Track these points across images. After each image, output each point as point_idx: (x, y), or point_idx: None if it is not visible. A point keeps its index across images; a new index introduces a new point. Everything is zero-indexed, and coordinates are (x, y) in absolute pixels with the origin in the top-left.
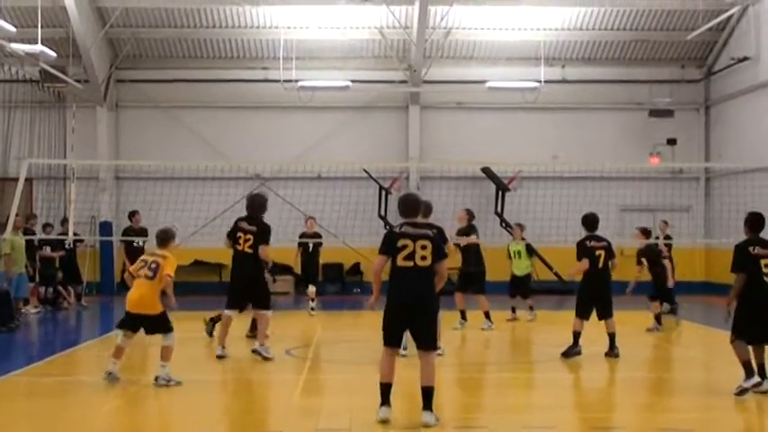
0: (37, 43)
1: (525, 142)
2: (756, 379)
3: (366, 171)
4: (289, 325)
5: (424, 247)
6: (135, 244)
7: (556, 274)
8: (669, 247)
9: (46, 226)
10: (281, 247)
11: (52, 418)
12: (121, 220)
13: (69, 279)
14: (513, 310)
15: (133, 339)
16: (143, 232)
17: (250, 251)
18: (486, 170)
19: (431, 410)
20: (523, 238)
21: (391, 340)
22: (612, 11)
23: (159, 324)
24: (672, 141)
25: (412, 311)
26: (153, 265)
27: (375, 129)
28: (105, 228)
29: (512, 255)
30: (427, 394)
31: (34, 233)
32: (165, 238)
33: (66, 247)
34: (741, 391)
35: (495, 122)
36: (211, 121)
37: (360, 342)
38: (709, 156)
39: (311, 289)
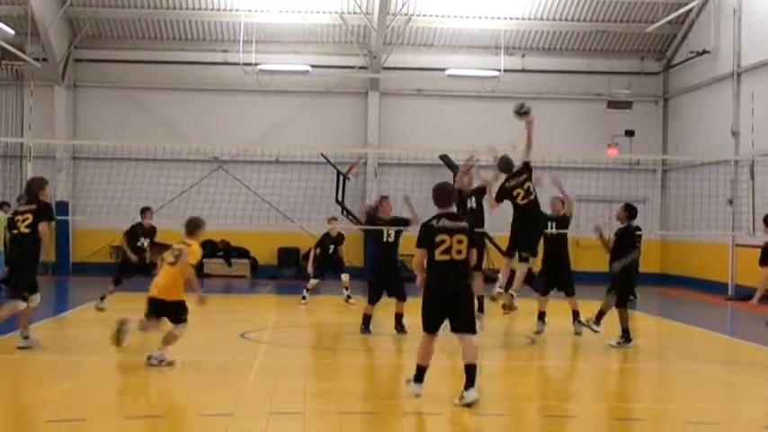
0: None
1: (484, 131)
2: None
3: (324, 156)
4: (244, 308)
5: (460, 242)
6: (139, 244)
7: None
8: (639, 237)
9: (2, 204)
10: (237, 230)
11: (7, 396)
12: (78, 200)
13: None
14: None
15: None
16: (152, 232)
17: (27, 231)
18: (443, 158)
19: (473, 387)
20: None
21: (431, 327)
22: (573, 1)
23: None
24: (630, 133)
25: (449, 301)
26: (176, 252)
27: (334, 114)
28: (61, 207)
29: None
30: (470, 372)
31: None
32: (190, 225)
33: None
34: None
35: (454, 110)
36: (170, 103)
37: (315, 327)
38: (667, 148)
39: (345, 278)
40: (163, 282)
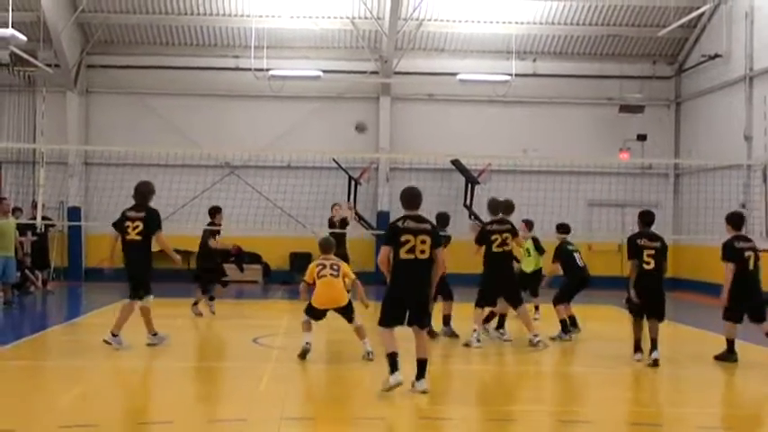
0: (7, 27)
1: (495, 135)
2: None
3: (336, 161)
4: (256, 314)
5: (423, 242)
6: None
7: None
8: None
9: (15, 210)
10: (249, 236)
11: (19, 401)
12: (90, 205)
13: (37, 264)
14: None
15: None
16: (227, 253)
17: (139, 238)
18: (455, 162)
19: (424, 378)
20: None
21: (391, 323)
22: (584, 5)
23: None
24: (642, 137)
25: (411, 297)
26: (335, 267)
27: (345, 119)
28: (74, 213)
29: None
30: (422, 365)
31: None
32: (328, 245)
33: (38, 231)
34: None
35: (466, 115)
36: (181, 109)
37: (327, 332)
38: (679, 152)
39: None
40: (333, 292)
